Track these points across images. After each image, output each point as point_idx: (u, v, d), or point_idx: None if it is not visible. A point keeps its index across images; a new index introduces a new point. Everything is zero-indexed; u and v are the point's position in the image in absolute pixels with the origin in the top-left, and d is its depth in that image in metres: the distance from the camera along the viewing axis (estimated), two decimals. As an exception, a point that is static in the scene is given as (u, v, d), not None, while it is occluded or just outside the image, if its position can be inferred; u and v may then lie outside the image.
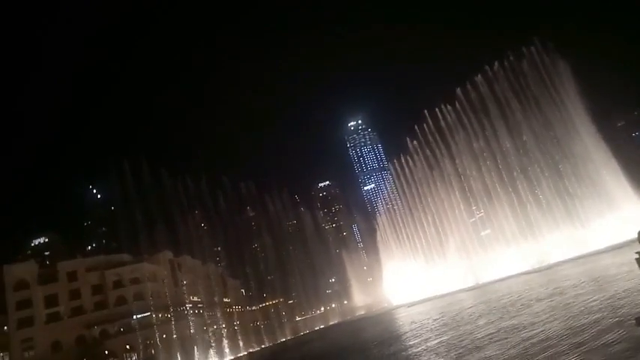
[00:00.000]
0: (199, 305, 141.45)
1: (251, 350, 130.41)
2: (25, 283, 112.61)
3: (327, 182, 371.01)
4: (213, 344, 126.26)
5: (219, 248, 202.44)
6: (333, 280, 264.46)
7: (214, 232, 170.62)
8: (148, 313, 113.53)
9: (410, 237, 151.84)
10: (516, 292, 57.26)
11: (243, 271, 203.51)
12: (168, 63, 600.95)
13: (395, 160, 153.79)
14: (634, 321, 19.67)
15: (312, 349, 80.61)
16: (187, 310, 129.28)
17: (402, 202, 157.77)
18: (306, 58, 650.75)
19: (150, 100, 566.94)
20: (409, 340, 43.35)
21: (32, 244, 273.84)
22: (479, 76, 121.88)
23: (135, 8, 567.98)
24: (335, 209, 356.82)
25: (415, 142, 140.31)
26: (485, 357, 24.18)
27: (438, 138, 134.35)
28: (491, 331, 31.55)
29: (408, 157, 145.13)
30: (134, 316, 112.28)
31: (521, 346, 23.67)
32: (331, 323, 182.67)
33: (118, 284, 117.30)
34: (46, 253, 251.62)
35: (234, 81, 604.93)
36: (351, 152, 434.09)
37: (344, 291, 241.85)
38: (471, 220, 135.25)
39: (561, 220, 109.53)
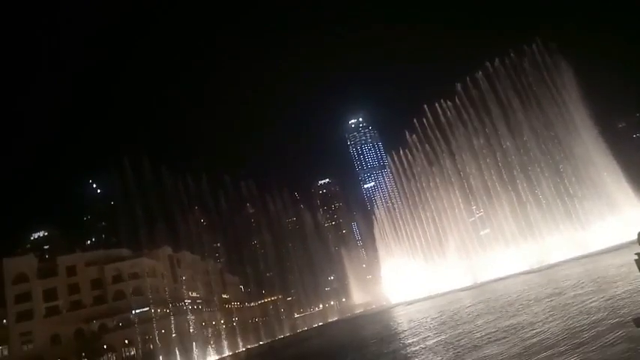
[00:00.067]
0: (198, 301, 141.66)
1: (249, 347, 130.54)
2: (25, 276, 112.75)
3: (327, 180, 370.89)
4: (211, 340, 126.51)
5: (218, 244, 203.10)
6: (332, 277, 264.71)
7: (214, 229, 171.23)
8: (147, 308, 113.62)
9: (409, 235, 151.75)
10: (515, 292, 57.28)
11: (242, 267, 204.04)
12: (169, 63, 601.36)
13: (393, 153, 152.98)
14: (632, 322, 19.67)
15: (310, 346, 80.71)
16: (186, 306, 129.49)
17: (400, 198, 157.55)
18: (307, 57, 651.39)
19: (150, 100, 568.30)
20: (407, 339, 43.41)
21: (32, 238, 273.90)
22: (479, 72, 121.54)
23: (135, 8, 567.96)
24: (335, 207, 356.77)
25: (414, 136, 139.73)
26: (484, 356, 24.20)
27: (437, 133, 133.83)
28: (490, 331, 31.56)
29: (407, 151, 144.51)
30: (133, 311, 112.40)
31: (520, 345, 23.68)
32: (329, 321, 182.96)
33: (117, 279, 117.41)
34: (46, 247, 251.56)
35: (235, 80, 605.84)
36: (352, 150, 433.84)
37: (343, 289, 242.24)
38: (471, 220, 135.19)
39: (561, 221, 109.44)
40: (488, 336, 29.80)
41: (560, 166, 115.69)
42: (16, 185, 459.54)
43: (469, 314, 48.16)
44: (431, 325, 48.66)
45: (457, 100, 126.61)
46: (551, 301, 38.00)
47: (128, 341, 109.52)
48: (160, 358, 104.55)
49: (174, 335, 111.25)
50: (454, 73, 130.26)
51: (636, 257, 18.02)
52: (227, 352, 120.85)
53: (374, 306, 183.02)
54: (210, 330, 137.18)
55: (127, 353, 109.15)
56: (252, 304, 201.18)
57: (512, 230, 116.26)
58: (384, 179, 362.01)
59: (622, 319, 22.28)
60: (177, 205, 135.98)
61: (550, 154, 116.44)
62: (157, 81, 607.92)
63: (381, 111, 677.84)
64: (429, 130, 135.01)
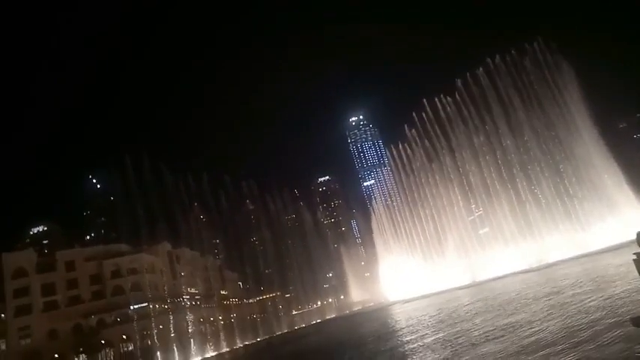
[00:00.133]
0: (197, 297, 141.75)
1: (247, 343, 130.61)
2: (24, 271, 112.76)
3: (327, 177, 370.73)
4: (209, 336, 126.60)
5: (217, 241, 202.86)
6: (331, 275, 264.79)
7: (213, 225, 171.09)
8: (146, 304, 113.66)
9: (408, 232, 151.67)
10: (514, 291, 57.31)
11: (241, 264, 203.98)
12: (169, 62, 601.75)
13: (392, 147, 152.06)
14: (630, 321, 19.64)
15: (308, 344, 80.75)
16: (185, 302, 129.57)
17: (399, 195, 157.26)
18: (307, 56, 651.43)
19: (151, 100, 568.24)
20: (405, 336, 43.42)
21: (31, 233, 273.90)
22: (480, 69, 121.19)
23: (136, 8, 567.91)
24: (334, 204, 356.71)
25: (413, 130, 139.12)
26: (482, 354, 24.17)
27: (437, 129, 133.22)
28: (488, 329, 31.54)
29: (406, 145, 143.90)
30: (131, 307, 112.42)
31: (518, 344, 23.66)
32: (327, 318, 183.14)
33: (115, 274, 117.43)
34: (45, 242, 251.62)
35: (235, 81, 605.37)
36: (352, 148, 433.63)
37: (341, 286, 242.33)
38: (470, 219, 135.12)
39: (561, 222, 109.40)
40: (487, 334, 29.78)
41: (561, 166, 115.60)
42: (16, 181, 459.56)
43: (467, 312, 48.17)
44: (429, 323, 48.68)
45: (457, 96, 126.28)
46: (550, 300, 38.01)
47: (126, 337, 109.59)
48: (158, 354, 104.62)
49: (172, 331, 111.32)
50: (454, 71, 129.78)
51: (635, 257, 17.97)
52: (225, 349, 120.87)
53: (372, 303, 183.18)
54: (208, 326, 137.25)
55: (125, 349, 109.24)
56: (250, 300, 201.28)
57: (511, 229, 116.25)
58: (383, 177, 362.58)
59: (620, 318, 22.26)
60: (176, 201, 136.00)
61: (550, 154, 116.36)
62: (157, 81, 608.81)
63: (381, 108, 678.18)
64: (428, 125, 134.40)
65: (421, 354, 30.37)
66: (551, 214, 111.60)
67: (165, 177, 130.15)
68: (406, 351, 33.84)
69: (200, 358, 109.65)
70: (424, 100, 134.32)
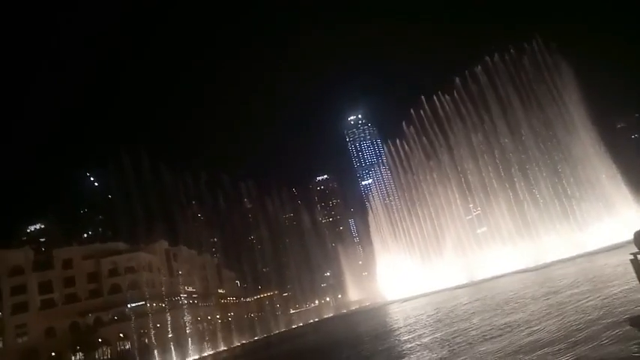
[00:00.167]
0: (194, 296, 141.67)
1: (244, 342, 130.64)
2: (20, 269, 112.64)
3: (325, 176, 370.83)
4: (207, 335, 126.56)
5: (215, 239, 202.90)
6: (329, 273, 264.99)
7: (211, 224, 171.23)
8: (143, 302, 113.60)
9: (406, 231, 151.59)
10: (511, 290, 57.31)
11: (239, 262, 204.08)
12: (169, 62, 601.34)
13: (390, 143, 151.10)
14: (628, 321, 19.63)
15: (306, 343, 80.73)
16: (182, 301, 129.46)
17: (397, 194, 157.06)
18: (307, 55, 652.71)
19: (150, 99, 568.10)
20: (403, 336, 43.39)
21: (28, 231, 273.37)
22: (478, 67, 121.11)
23: (136, 7, 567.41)
24: (332, 203, 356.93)
25: (412, 127, 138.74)
26: (479, 354, 24.14)
27: (435, 127, 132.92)
28: (486, 329, 31.51)
29: (404, 142, 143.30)
30: (128, 305, 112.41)
31: (516, 344, 23.63)
32: (325, 317, 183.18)
33: (113, 272, 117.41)
34: (42, 240, 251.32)
35: (235, 80, 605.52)
36: (350, 147, 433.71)
37: (339, 285, 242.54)
38: (468, 218, 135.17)
39: (558, 222, 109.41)
40: (484, 334, 29.75)
41: (559, 166, 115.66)
42: (13, 178, 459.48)
43: (465, 312, 48.15)
44: (426, 323, 48.65)
45: (455, 94, 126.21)
46: (547, 299, 38.00)
47: (123, 335, 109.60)
48: (155, 352, 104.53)
49: (169, 330, 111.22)
50: (453, 71, 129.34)
51: (632, 257, 17.95)
52: (222, 347, 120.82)
53: (369, 303, 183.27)
54: (206, 325, 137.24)
55: (122, 347, 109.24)
56: (248, 299, 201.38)
57: (509, 229, 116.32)
58: (381, 176, 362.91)
59: (617, 318, 22.23)
60: (174, 200, 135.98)
61: (549, 154, 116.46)
62: (157, 81, 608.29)
63: (380, 107, 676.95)
64: (426, 122, 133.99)
65: (419, 353, 30.32)
66: (549, 214, 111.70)
67: (163, 175, 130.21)
68: (404, 350, 33.79)
69: (197, 356, 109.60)
70: (422, 97, 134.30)
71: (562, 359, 18.41)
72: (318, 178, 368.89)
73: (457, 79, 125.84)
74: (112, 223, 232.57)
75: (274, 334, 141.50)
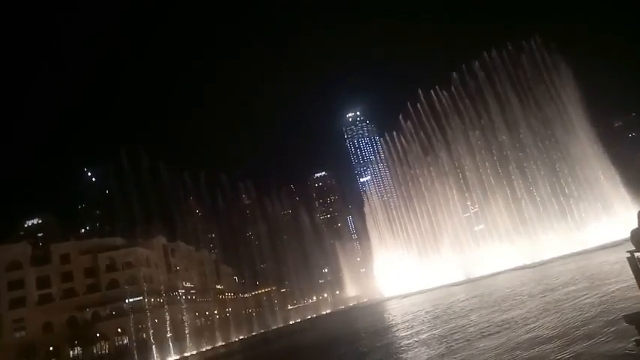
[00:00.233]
0: (192, 291, 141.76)
1: (242, 337, 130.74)
2: (18, 263, 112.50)
3: (324, 173, 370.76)
4: (205, 330, 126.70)
5: (213, 235, 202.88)
6: (326, 270, 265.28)
7: (209, 220, 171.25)
8: (140, 298, 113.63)
9: (403, 228, 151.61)
10: (509, 288, 57.56)
11: (236, 258, 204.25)
12: (169, 62, 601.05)
13: (387, 135, 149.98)
14: (624, 319, 19.76)
15: (303, 338, 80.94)
16: (180, 296, 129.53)
17: (395, 191, 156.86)
18: (306, 54, 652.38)
19: (150, 99, 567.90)
20: (401, 332, 43.58)
21: (26, 225, 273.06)
22: (476, 62, 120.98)
23: (136, 7, 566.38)
24: (330, 200, 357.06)
25: (409, 122, 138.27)
26: (477, 351, 24.30)
27: (432, 121, 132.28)
28: (484, 326, 31.70)
29: (401, 136, 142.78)
30: (126, 300, 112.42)
31: (513, 341, 23.80)
32: (323, 313, 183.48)
33: (110, 268, 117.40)
34: (40, 235, 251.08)
35: (235, 80, 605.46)
36: (349, 143, 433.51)
37: (336, 281, 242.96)
38: (465, 215, 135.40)
39: (556, 220, 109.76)
40: (482, 330, 29.94)
41: (557, 165, 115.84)
42: (11, 173, 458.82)
43: (462, 309, 48.36)
44: (424, 319, 48.84)
45: (453, 89, 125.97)
46: (545, 297, 38.22)
47: (121, 330, 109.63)
48: (153, 347, 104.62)
49: (167, 325, 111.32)
50: (452, 69, 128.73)
51: (628, 255, 18.07)
52: (220, 343, 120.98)
53: (366, 299, 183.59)
54: (204, 320, 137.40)
55: (120, 342, 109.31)
56: (246, 295, 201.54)
57: (506, 227, 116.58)
58: (379, 173, 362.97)
59: (614, 315, 22.41)
60: (172, 196, 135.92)
61: (547, 152, 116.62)
62: (157, 81, 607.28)
63: (378, 104, 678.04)
64: (423, 116, 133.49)
65: (417, 350, 30.49)
66: (547, 213, 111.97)
67: (161, 172, 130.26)
68: (402, 346, 33.96)
69: (195, 351, 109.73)
70: (419, 90, 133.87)
71: (559, 356, 18.58)
72: (316, 175, 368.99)
73: (454, 74, 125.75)
74: (110, 218, 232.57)
75: (272, 330, 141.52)
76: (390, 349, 34.89)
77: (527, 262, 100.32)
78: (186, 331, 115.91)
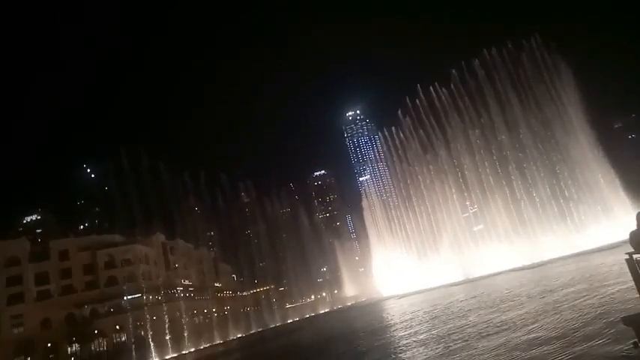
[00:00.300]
0: (190, 289, 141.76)
1: (240, 335, 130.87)
2: (16, 259, 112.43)
3: (323, 171, 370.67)
4: (203, 328, 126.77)
5: (212, 233, 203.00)
6: (325, 269, 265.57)
7: (208, 218, 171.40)
8: (139, 295, 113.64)
9: (402, 227, 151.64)
10: (508, 288, 57.58)
11: (235, 257, 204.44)
12: (170, 62, 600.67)
13: (385, 130, 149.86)
14: (622, 320, 19.77)
15: (301, 337, 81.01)
16: (178, 293, 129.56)
17: (394, 190, 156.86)
18: (307, 56, 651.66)
19: (150, 100, 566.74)
20: (399, 332, 43.61)
21: (24, 222, 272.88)
22: (476, 60, 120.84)
23: (136, 8, 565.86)
24: (329, 199, 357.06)
25: (407, 117, 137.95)
26: (475, 351, 24.32)
27: (431, 118, 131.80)
28: (482, 326, 31.71)
29: (400, 131, 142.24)
30: (125, 297, 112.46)
31: (512, 342, 23.81)
32: (321, 312, 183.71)
33: (109, 265, 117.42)
34: (38, 231, 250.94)
35: (235, 80, 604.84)
36: (348, 142, 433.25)
37: (335, 280, 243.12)
38: (465, 215, 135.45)
39: (555, 222, 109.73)
40: (480, 331, 29.95)
41: (557, 167, 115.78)
42: (11, 170, 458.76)
43: (461, 309, 48.38)
44: (423, 319, 48.87)
45: (452, 86, 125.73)
46: (543, 298, 38.25)
47: (119, 327, 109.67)
48: (151, 344, 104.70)
49: (166, 322, 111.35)
50: (452, 65, 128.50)
51: (627, 257, 18.07)
52: (218, 341, 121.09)
53: (365, 298, 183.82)
54: (202, 318, 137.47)
55: (118, 339, 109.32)
56: (244, 293, 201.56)
57: (505, 227, 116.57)
58: (379, 172, 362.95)
59: (613, 317, 22.42)
60: (171, 193, 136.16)
61: (547, 154, 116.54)
62: (157, 80, 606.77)
63: (379, 103, 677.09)
64: (422, 111, 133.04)
65: (415, 350, 30.51)
66: (546, 215, 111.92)
67: (161, 171, 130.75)
68: (400, 346, 33.98)
69: (193, 349, 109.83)
70: (418, 86, 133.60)
71: (558, 357, 18.59)
72: (315, 174, 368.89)
73: (454, 71, 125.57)
74: (109, 215, 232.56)
75: (270, 329, 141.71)
76: (388, 348, 34.90)
77: (526, 262, 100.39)
78: (185, 329, 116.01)
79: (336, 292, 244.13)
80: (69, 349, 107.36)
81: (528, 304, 37.04)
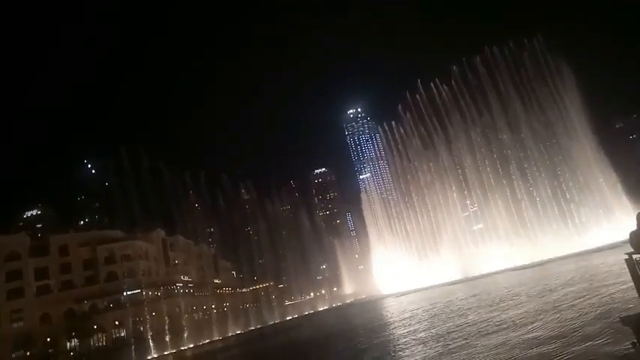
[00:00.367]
0: (190, 285, 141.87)
1: (239, 332, 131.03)
2: (17, 254, 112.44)
3: (324, 169, 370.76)
4: (202, 324, 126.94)
5: (212, 230, 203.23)
6: (324, 266, 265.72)
7: (208, 214, 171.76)
8: (139, 291, 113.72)
9: (402, 225, 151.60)
10: (507, 288, 57.64)
11: (235, 253, 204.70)
12: (170, 62, 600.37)
13: (386, 125, 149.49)
14: (620, 320, 19.80)
15: (300, 334, 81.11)
16: (178, 289, 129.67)
17: (394, 185, 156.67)
18: (307, 55, 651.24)
19: (151, 99, 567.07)
20: (398, 330, 43.64)
21: (25, 216, 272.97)
22: (477, 58, 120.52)
23: (136, 8, 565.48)
24: (330, 196, 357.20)
25: (408, 113, 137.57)
26: (474, 350, 24.35)
27: (431, 113, 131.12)
28: (481, 325, 31.75)
29: (400, 126, 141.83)
30: (124, 293, 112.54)
31: (511, 341, 23.84)
32: (320, 309, 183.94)
33: (109, 260, 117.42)
34: (39, 226, 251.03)
35: (235, 80, 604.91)
36: (349, 140, 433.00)
37: (334, 278, 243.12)
38: (465, 214, 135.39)
39: (556, 224, 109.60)
40: (480, 330, 29.99)
41: (558, 169, 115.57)
42: (12, 165, 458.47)
43: (460, 308, 48.43)
44: (422, 317, 48.92)
45: (453, 82, 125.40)
46: (543, 297, 38.28)
47: (119, 322, 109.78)
48: (150, 340, 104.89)
49: (165, 318, 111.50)
50: (453, 62, 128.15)
51: (627, 257, 18.08)
52: (217, 337, 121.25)
53: (364, 296, 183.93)
54: (201, 314, 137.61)
55: (117, 334, 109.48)
56: (244, 290, 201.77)
57: (505, 227, 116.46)
58: (379, 170, 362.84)
59: (612, 317, 22.45)
60: (172, 191, 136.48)
61: (548, 155, 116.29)
62: (157, 81, 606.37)
63: (379, 101, 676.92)
64: (422, 107, 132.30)
65: (414, 348, 30.54)
66: (547, 217, 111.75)
67: (161, 167, 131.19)
68: (399, 344, 34.02)
69: (192, 345, 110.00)
70: (418, 81, 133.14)
71: (557, 357, 18.62)
72: (316, 171, 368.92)
73: (454, 67, 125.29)
74: (109, 211, 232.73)
75: (269, 325, 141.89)
76: (387, 346, 34.94)
77: (526, 262, 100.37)
78: (184, 325, 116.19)
79: (335, 289, 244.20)
80: (68, 344, 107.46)
81: (528, 303, 37.08)
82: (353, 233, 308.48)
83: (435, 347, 28.41)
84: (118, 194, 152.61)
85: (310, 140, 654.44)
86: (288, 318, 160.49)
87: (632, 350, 14.97)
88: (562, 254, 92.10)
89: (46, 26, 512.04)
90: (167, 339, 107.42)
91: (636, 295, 14.32)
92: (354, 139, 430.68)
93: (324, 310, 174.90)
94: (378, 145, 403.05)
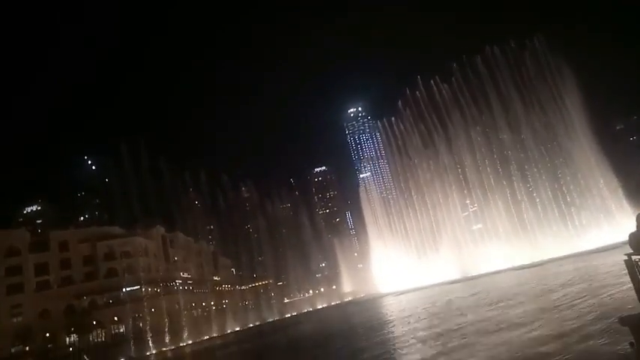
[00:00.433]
0: (189, 282, 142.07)
1: (238, 329, 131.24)
2: (16, 250, 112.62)
3: (324, 167, 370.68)
4: (201, 321, 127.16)
5: (212, 227, 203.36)
6: (324, 264, 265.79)
7: (208, 212, 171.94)
8: (138, 287, 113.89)
9: (402, 224, 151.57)
10: (506, 287, 57.73)
11: (235, 250, 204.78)
12: (170, 62, 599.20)
13: (385, 120, 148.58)
14: (619, 321, 19.90)
15: (299, 332, 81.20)
16: (177, 286, 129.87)
17: (394, 184, 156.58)
18: (307, 55, 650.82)
19: (151, 99, 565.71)
20: (397, 328, 43.75)
21: (25, 212, 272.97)
22: (478, 57, 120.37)
23: (136, 8, 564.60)
24: (330, 195, 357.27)
25: (407, 109, 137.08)
26: (473, 349, 24.44)
27: (431, 110, 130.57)
28: (480, 325, 31.84)
29: (399, 121, 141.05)
30: (124, 289, 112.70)
31: (510, 341, 23.94)
32: (318, 307, 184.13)
33: (109, 256, 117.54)
34: (38, 222, 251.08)
35: (235, 80, 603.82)
36: (349, 139, 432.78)
37: (334, 276, 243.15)
38: (464, 214, 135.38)
39: (555, 225, 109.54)
40: (479, 329, 30.08)
41: (559, 171, 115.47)
42: (12, 160, 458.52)
43: (460, 307, 48.51)
44: (421, 316, 49.01)
45: (453, 79, 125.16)
46: (542, 297, 38.39)
47: (118, 318, 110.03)
48: (149, 336, 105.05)
49: (164, 315, 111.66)
50: (454, 60, 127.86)
51: (626, 258, 18.16)
52: (216, 334, 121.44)
53: (363, 295, 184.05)
54: (200, 311, 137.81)
55: (116, 330, 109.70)
56: (243, 287, 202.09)
57: (505, 228, 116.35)
58: (379, 169, 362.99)
59: (610, 317, 22.54)
60: (172, 189, 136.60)
61: (549, 156, 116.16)
62: (157, 81, 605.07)
63: (380, 100, 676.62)
64: (422, 104, 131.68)
65: (413, 346, 30.65)
66: (547, 219, 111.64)
67: (161, 165, 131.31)
68: (398, 343, 34.13)
69: (191, 341, 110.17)
70: (418, 77, 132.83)
71: (557, 357, 18.72)
72: (316, 170, 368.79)
73: (454, 64, 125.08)
74: (109, 207, 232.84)
75: (268, 323, 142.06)
76: (386, 345, 35.06)
77: (526, 262, 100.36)
78: (183, 322, 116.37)
79: (334, 287, 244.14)
80: (67, 339, 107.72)
81: (527, 303, 37.17)
82: (352, 232, 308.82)
83: (435, 346, 28.51)
84: (118, 191, 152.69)
85: (310, 139, 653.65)
86: (287, 315, 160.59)
87: (629, 350, 15.08)
88: (561, 255, 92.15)
89: (46, 26, 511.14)
90: (166, 335, 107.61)
91: (635, 295, 14.41)
92: (354, 138, 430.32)
93: (322, 308, 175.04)
94: (378, 144, 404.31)
